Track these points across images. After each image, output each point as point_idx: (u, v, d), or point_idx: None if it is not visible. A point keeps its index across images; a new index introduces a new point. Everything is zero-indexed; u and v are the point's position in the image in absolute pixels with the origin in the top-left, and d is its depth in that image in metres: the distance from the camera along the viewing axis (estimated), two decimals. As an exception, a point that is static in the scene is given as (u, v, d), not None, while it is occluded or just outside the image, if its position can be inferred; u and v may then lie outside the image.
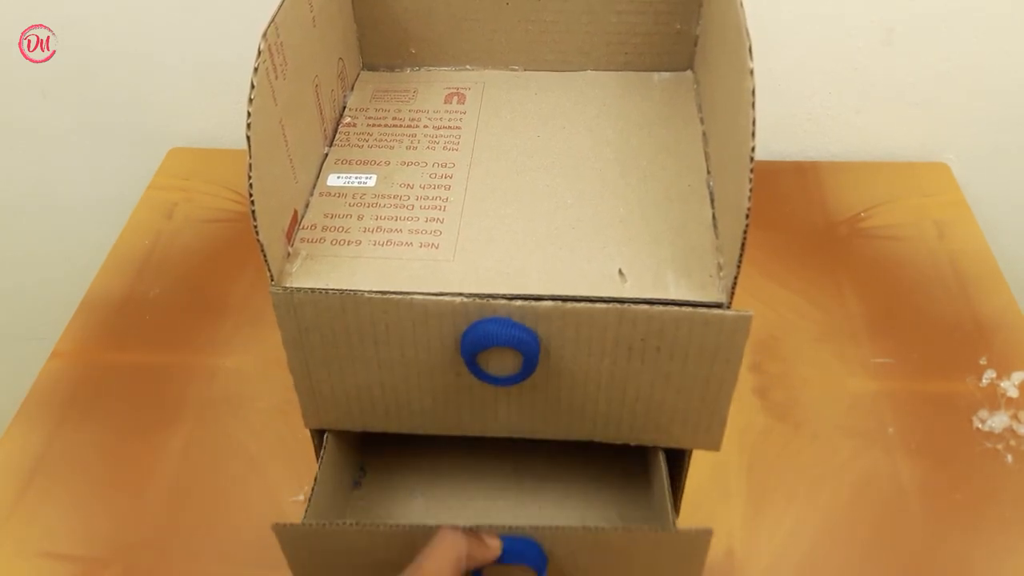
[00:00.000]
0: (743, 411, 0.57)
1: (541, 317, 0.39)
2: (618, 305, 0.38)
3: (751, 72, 0.35)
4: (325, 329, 0.40)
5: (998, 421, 0.55)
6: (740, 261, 0.37)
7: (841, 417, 0.57)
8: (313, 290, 0.39)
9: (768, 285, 0.66)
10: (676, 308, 0.38)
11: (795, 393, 0.58)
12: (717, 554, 0.50)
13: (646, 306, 0.38)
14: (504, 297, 0.39)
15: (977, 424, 0.55)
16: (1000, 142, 0.76)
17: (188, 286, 0.68)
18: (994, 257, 0.67)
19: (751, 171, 0.35)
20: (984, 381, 0.58)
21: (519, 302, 0.38)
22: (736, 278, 0.37)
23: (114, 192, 0.84)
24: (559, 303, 0.38)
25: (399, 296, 0.39)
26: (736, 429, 0.56)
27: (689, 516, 0.51)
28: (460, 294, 0.39)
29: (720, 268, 0.40)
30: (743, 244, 0.36)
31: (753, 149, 0.35)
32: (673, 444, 0.44)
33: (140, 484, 0.55)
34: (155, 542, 0.52)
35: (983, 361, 0.59)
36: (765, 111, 0.76)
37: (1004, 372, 0.58)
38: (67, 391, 0.61)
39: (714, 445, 0.44)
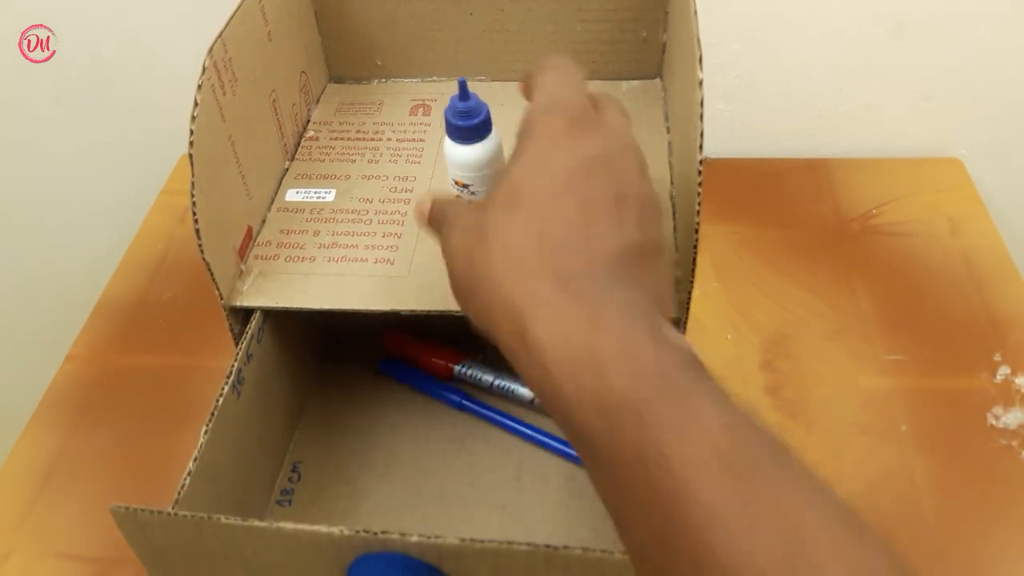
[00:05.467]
0: (754, 409, 0.57)
1: (446, 555, 0.30)
2: (545, 548, 0.30)
3: (700, 83, 0.34)
4: (183, 552, 0.34)
5: (1013, 417, 0.55)
6: (692, 276, 0.35)
7: (853, 414, 0.56)
8: (160, 512, 0.33)
9: (779, 282, 0.65)
10: (618, 555, 0.30)
11: (807, 391, 0.58)
12: (729, 553, 0.50)
13: (580, 551, 0.30)
14: (398, 534, 0.30)
15: (991, 421, 0.55)
16: (1013, 137, 0.75)
17: (200, 289, 0.68)
18: (1008, 253, 0.66)
19: (699, 184, 0.33)
20: (998, 377, 0.57)
21: (416, 538, 0.30)
22: (690, 293, 0.36)
23: (127, 197, 0.85)
24: (467, 542, 0.30)
25: (263, 525, 0.31)
26: (748, 427, 0.56)
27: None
28: (340, 529, 0.31)
29: (678, 283, 0.39)
30: (694, 259, 0.35)
31: (701, 163, 0.33)
32: None
33: (154, 486, 0.55)
34: (169, 543, 0.52)
35: (997, 357, 0.58)
36: (775, 108, 0.76)
37: (1019, 368, 0.57)
38: (82, 394, 0.61)
39: None
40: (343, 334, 0.53)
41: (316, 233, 0.43)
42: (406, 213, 0.44)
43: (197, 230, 0.35)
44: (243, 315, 0.41)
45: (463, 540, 0.29)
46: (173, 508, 0.34)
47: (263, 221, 0.44)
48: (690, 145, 0.36)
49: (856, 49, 0.71)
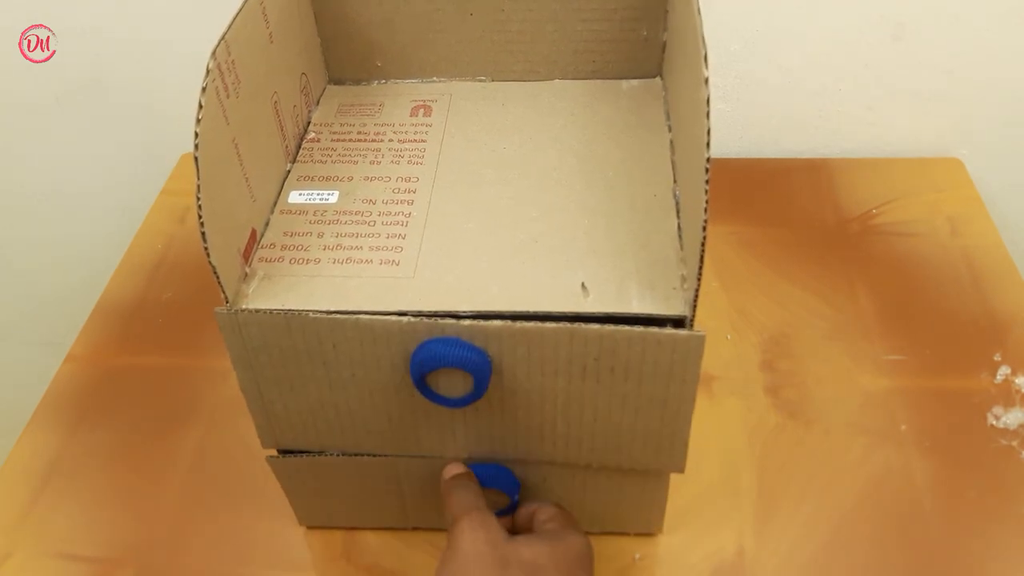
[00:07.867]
0: (754, 409, 0.57)
1: (491, 336, 0.38)
2: (568, 324, 0.37)
3: (706, 81, 0.34)
4: (272, 349, 0.39)
5: (1013, 418, 0.55)
6: (700, 273, 0.35)
7: (853, 414, 0.56)
8: (258, 310, 0.38)
9: (780, 282, 0.66)
10: (627, 328, 0.37)
11: (807, 390, 0.58)
12: (728, 553, 0.50)
13: (597, 325, 0.37)
14: (453, 316, 0.38)
15: (992, 421, 0.55)
16: (1014, 136, 0.75)
17: (200, 289, 0.69)
18: (1008, 253, 0.66)
19: (707, 183, 0.34)
20: (999, 377, 0.57)
21: (468, 321, 0.37)
22: (698, 290, 0.36)
23: (127, 197, 0.85)
24: (509, 322, 0.37)
25: (344, 316, 0.38)
26: (747, 427, 0.56)
27: (699, 513, 0.51)
28: (407, 313, 0.38)
29: (684, 280, 0.39)
30: (702, 256, 0.35)
31: (708, 160, 0.34)
32: (636, 466, 0.44)
33: (154, 485, 0.55)
34: (169, 543, 0.52)
35: (997, 357, 0.58)
36: (776, 108, 0.76)
37: (1019, 368, 0.57)
38: (82, 394, 0.61)
39: (678, 467, 0.43)
40: None
41: (320, 235, 0.43)
42: (410, 214, 0.44)
43: (203, 234, 0.35)
44: None
45: (503, 323, 0.37)
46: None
47: (266, 223, 0.44)
48: (697, 143, 0.36)
49: (856, 49, 0.71)
